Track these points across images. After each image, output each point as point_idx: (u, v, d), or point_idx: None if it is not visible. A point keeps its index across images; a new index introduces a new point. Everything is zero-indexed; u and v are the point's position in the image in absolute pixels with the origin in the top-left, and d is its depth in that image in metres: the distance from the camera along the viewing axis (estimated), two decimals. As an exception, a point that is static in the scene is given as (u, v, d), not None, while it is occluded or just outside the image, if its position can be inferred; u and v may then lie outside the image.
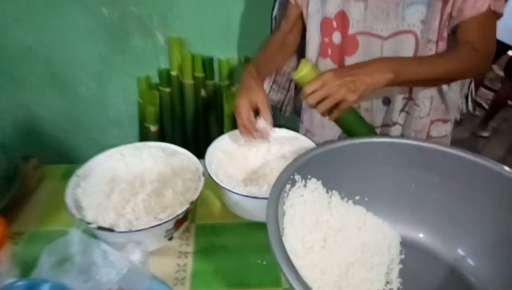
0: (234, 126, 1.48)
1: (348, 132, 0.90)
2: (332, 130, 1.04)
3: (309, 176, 0.73)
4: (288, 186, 0.67)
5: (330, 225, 0.75)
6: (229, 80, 1.46)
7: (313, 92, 0.77)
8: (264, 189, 0.77)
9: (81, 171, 0.78)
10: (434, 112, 0.92)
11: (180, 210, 0.69)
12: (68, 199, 0.71)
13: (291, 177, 0.68)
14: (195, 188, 0.75)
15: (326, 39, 0.94)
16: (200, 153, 1.53)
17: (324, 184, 0.76)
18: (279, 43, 1.00)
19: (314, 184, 0.74)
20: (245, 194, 0.74)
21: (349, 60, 0.91)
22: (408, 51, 0.85)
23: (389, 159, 0.78)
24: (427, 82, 0.86)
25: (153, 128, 1.47)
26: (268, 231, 0.58)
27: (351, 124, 0.88)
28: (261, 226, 0.82)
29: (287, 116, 1.20)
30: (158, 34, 1.39)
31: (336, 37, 0.92)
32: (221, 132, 1.56)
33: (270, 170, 0.87)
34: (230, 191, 0.75)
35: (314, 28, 0.94)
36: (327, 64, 0.95)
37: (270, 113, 0.86)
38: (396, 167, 0.78)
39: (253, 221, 0.82)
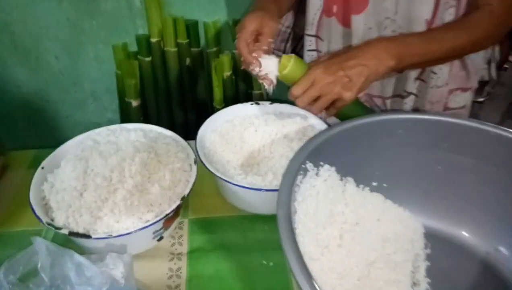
0: (225, 98, 1.37)
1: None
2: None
3: (321, 163, 0.63)
4: (299, 177, 0.55)
5: (346, 218, 0.65)
6: (216, 47, 1.31)
7: (302, 93, 0.66)
8: (269, 180, 0.65)
9: (47, 162, 0.65)
10: (453, 79, 0.80)
11: (169, 208, 0.57)
12: (33, 198, 0.59)
13: (302, 166, 0.57)
14: (186, 180, 0.63)
15: (332, -7, 0.80)
16: (188, 131, 1.41)
17: (338, 171, 0.65)
18: None
19: (327, 171, 0.64)
20: (247, 185, 0.62)
21: (356, 20, 0.77)
22: (424, 12, 0.72)
23: (412, 138, 0.67)
24: (435, 62, 0.75)
25: (135, 102, 1.32)
26: (280, 236, 0.47)
27: (350, 115, 0.76)
28: (265, 219, 0.72)
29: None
30: (133, -6, 1.22)
31: None
32: (211, 105, 1.45)
33: (270, 153, 0.75)
34: (230, 182, 0.63)
35: None
36: (332, 24, 0.81)
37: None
38: (419, 148, 0.68)
39: (255, 214, 0.71)
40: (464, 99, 0.83)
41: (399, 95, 0.84)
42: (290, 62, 0.67)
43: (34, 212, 0.57)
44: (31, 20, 1.22)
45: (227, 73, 1.32)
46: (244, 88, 1.38)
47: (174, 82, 1.33)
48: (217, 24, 1.29)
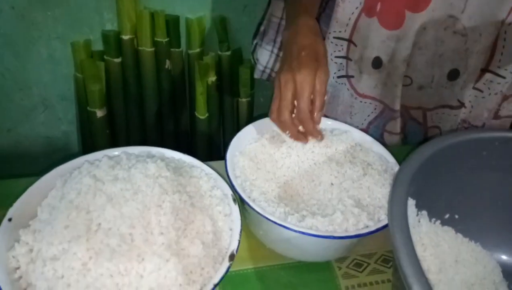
0: (208, 106, 1.18)
1: None
2: (362, 116, 0.78)
3: (408, 197, 0.48)
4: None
5: (428, 265, 0.52)
6: (200, 47, 1.12)
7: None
8: (338, 222, 0.49)
9: (16, 210, 0.43)
10: (510, 85, 0.70)
11: (217, 274, 0.39)
12: (2, 274, 0.37)
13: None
14: (229, 228, 0.45)
15: (378, -12, 0.65)
16: (164, 144, 1.19)
17: (416, 204, 0.52)
18: None
19: (410, 207, 0.50)
20: (315, 233, 0.46)
21: (412, 20, 0.64)
22: (502, 6, 0.61)
23: (495, 160, 0.56)
24: None
25: (100, 112, 1.09)
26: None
27: None
28: (314, 268, 0.56)
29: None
30: (101, -19, 1.00)
31: None
32: (191, 114, 1.25)
33: (312, 181, 0.59)
34: (287, 228, 0.46)
35: None
36: (372, 26, 0.67)
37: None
38: (502, 172, 0.57)
39: (300, 261, 0.55)
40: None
41: (448, 106, 0.73)
42: None
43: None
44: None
45: (212, 78, 1.14)
46: (229, 96, 1.21)
47: (149, 88, 1.12)
48: (202, 22, 1.11)
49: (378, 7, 0.65)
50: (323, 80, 0.53)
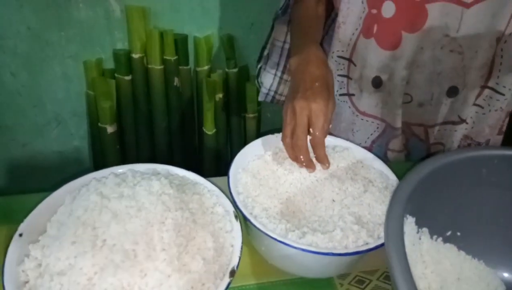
0: (216, 122, 1.20)
1: None
2: (365, 134, 0.79)
3: (406, 215, 0.49)
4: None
5: (429, 282, 0.52)
6: (208, 65, 1.15)
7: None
8: (337, 239, 0.50)
9: (26, 226, 0.45)
10: None
11: (217, 290, 0.40)
12: (8, 284, 0.39)
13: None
14: (230, 245, 0.46)
15: (374, 11, 0.67)
16: (172, 160, 1.22)
17: (416, 222, 0.53)
18: (314, 19, 0.72)
19: (410, 225, 0.51)
20: (314, 250, 0.47)
21: (409, 40, 0.65)
22: (496, 24, 0.62)
23: (494, 178, 0.57)
24: None
25: (110, 128, 1.11)
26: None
27: None
28: (316, 284, 0.57)
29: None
30: (113, 2, 1.03)
31: (387, 8, 0.66)
32: (199, 130, 1.27)
33: (314, 197, 0.60)
34: (288, 245, 0.47)
35: None
36: (369, 47, 0.69)
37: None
38: (502, 189, 0.57)
39: (302, 277, 0.56)
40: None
41: (450, 122, 0.73)
42: None
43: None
44: (-17, 29, 0.99)
45: (220, 95, 1.17)
46: (236, 112, 1.23)
47: (158, 105, 1.15)
48: (209, 40, 1.14)
49: (375, 28, 0.67)
50: (332, 110, 0.57)
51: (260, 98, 0.90)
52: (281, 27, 0.82)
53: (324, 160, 0.59)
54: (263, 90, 0.88)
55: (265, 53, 0.86)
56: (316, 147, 0.57)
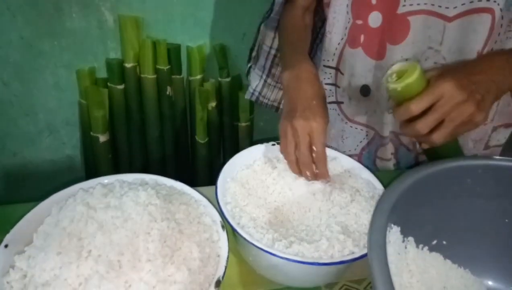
0: (208, 131, 1.21)
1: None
2: (354, 141, 0.80)
3: (392, 224, 0.50)
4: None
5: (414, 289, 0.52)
6: (201, 74, 1.16)
7: (423, 112, 0.52)
8: (323, 249, 0.50)
9: (12, 236, 0.45)
10: (498, 116, 0.72)
11: (202, 301, 0.40)
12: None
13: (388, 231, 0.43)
14: (217, 255, 0.47)
15: (359, 21, 0.69)
16: (164, 169, 1.22)
17: (401, 231, 0.53)
18: (302, 29, 0.73)
19: (395, 234, 0.51)
20: (302, 260, 0.47)
21: (392, 51, 0.67)
22: (477, 38, 0.63)
23: (479, 187, 0.57)
24: None
25: (102, 137, 1.12)
26: None
27: (448, 154, 0.64)
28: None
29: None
30: (106, 12, 1.04)
31: (373, 19, 0.67)
32: (191, 138, 1.28)
33: (303, 207, 0.60)
34: (275, 255, 0.48)
35: (342, 5, 0.69)
36: (356, 56, 0.70)
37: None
38: (487, 199, 0.58)
39: (289, 287, 0.56)
40: (504, 136, 0.75)
41: None
42: (417, 69, 0.53)
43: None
44: (-26, 38, 1.00)
45: (212, 104, 1.18)
46: (229, 120, 1.24)
47: (151, 114, 1.15)
48: (202, 50, 1.15)
49: (362, 38, 0.69)
50: (319, 136, 0.58)
51: (246, 96, 0.92)
52: (268, 33, 0.83)
53: (326, 175, 0.60)
54: (249, 89, 0.91)
55: (253, 54, 0.88)
56: (319, 163, 0.59)
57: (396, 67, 0.56)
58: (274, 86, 0.91)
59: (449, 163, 0.55)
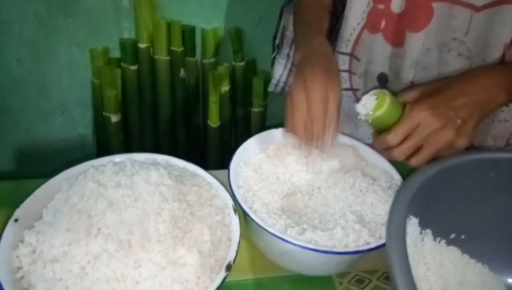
0: (221, 115, 1.19)
1: None
2: (367, 129, 0.77)
3: (410, 215, 0.48)
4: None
5: (431, 285, 0.51)
6: (214, 57, 1.14)
7: (401, 141, 0.52)
8: (338, 237, 0.49)
9: (22, 211, 0.45)
10: None
11: (212, 284, 0.39)
12: (3, 272, 0.38)
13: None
14: (228, 238, 0.45)
15: (381, 6, 0.66)
16: (176, 152, 1.21)
17: (419, 223, 0.51)
18: (319, 9, 0.70)
19: (413, 226, 0.49)
20: (314, 248, 0.46)
21: (413, 39, 0.64)
22: (504, 31, 0.60)
23: (502, 181, 0.55)
24: None
25: (114, 117, 1.11)
26: None
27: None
28: (315, 282, 0.56)
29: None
30: (121, -9, 1.03)
31: (397, 3, 0.64)
32: (203, 122, 1.26)
33: (317, 193, 0.59)
34: (287, 241, 0.46)
35: None
36: (376, 42, 0.67)
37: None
38: (509, 193, 0.56)
39: (301, 274, 0.55)
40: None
41: None
42: (386, 102, 0.52)
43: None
44: (-9, 14, 0.99)
45: (225, 88, 1.16)
46: (242, 105, 1.22)
47: (163, 95, 1.14)
48: (217, 32, 1.12)
49: (383, 24, 0.66)
50: (334, 99, 0.54)
51: (270, 88, 0.89)
52: (292, 16, 0.80)
53: (331, 140, 0.56)
54: (273, 81, 0.87)
55: (276, 42, 0.85)
56: (330, 122, 0.55)
57: (368, 96, 0.56)
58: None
59: (472, 155, 0.53)
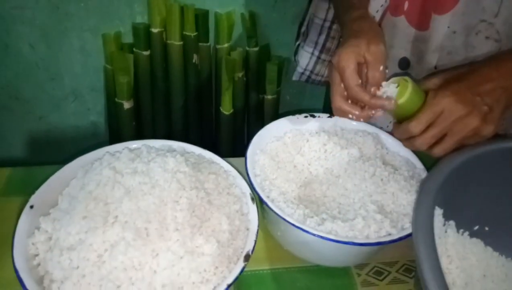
0: (233, 102, 1.17)
1: None
2: (387, 117, 0.75)
3: (436, 207, 0.46)
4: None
5: (454, 278, 0.50)
6: (228, 42, 1.12)
7: (424, 129, 0.49)
8: (359, 228, 0.47)
9: (37, 197, 0.44)
10: None
11: (231, 274, 0.38)
12: (17, 257, 0.38)
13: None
14: (246, 228, 0.44)
15: (404, -14, 0.63)
16: (188, 139, 1.19)
17: (443, 214, 0.50)
18: None
19: (437, 217, 0.48)
20: (335, 238, 0.45)
21: (438, 22, 0.61)
22: None
23: (530, 171, 0.52)
24: None
25: (127, 104, 1.10)
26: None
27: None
28: (332, 273, 0.55)
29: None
30: (133, -26, 1.01)
31: None
32: (216, 109, 1.24)
33: (335, 183, 0.57)
34: (306, 231, 0.45)
35: None
36: (398, 25, 0.65)
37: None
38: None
39: (318, 265, 0.54)
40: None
41: None
42: (408, 89, 0.50)
43: (21, 282, 0.36)
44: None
45: (239, 74, 1.14)
46: (255, 92, 1.20)
47: (176, 82, 1.12)
48: (231, 17, 1.10)
49: (406, 5, 0.63)
50: (374, 51, 0.50)
51: (295, 77, 0.86)
52: (322, 3, 0.77)
53: (375, 105, 0.52)
54: (299, 69, 0.85)
55: (303, 30, 0.82)
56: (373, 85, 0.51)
57: (388, 83, 0.52)
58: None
59: (500, 144, 0.50)
